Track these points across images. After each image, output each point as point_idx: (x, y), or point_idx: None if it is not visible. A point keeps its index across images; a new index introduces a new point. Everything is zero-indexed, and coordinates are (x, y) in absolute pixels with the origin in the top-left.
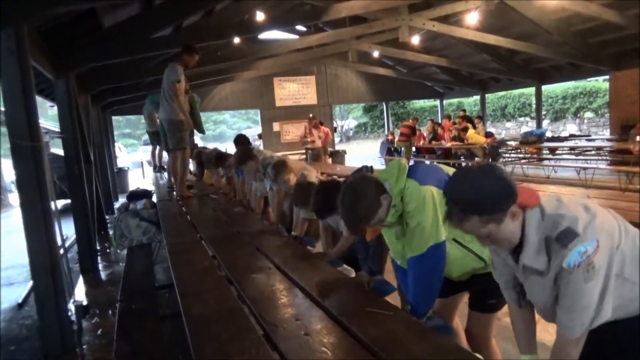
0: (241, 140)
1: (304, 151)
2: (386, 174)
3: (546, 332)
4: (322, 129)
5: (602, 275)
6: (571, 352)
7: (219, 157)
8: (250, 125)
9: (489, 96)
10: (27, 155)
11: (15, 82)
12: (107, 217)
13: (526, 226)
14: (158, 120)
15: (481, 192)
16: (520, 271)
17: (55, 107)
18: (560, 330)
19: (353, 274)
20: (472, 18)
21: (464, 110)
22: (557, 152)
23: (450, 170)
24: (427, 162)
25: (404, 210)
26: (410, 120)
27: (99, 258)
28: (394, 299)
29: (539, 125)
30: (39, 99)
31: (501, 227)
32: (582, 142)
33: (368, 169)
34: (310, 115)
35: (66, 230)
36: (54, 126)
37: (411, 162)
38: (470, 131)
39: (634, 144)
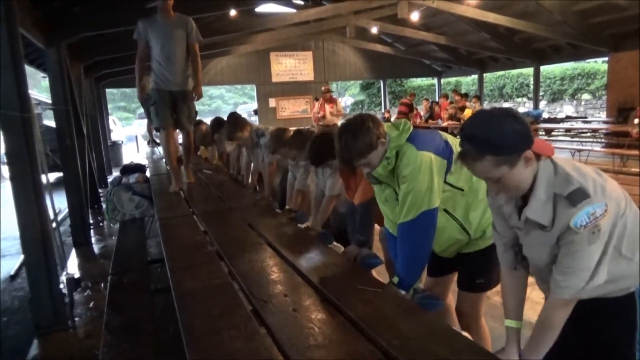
0: (221, 121)
1: (301, 128)
2: (391, 127)
3: (532, 311)
4: (337, 103)
5: (605, 240)
6: (560, 313)
7: (219, 123)
8: (246, 100)
9: (487, 76)
10: (16, 126)
11: (4, 51)
12: (100, 190)
13: (537, 178)
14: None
15: (498, 132)
16: (522, 226)
17: (48, 77)
18: (553, 290)
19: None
20: None
21: (458, 91)
22: (553, 133)
23: (450, 137)
24: None
25: (399, 174)
26: (408, 97)
27: (92, 231)
28: (383, 276)
29: (536, 106)
30: (31, 69)
31: (513, 171)
32: (578, 124)
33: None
34: (323, 88)
35: (60, 204)
36: (47, 97)
37: None
38: (467, 111)
39: (633, 127)
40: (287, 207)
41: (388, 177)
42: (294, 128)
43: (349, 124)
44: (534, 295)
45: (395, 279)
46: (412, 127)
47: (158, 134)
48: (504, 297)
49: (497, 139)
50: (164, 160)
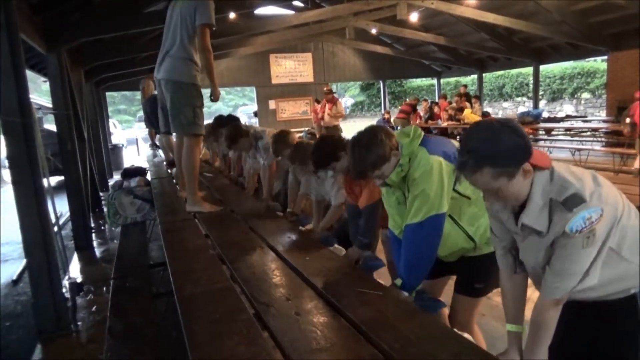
0: (224, 121)
1: (300, 129)
2: (402, 134)
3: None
4: (337, 104)
5: (599, 244)
6: (551, 313)
7: (220, 124)
8: (246, 102)
9: (486, 75)
10: (17, 131)
11: (4, 57)
12: (101, 194)
13: (533, 186)
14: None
15: (498, 144)
16: (519, 231)
17: (49, 82)
18: (543, 291)
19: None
20: None
21: (465, 86)
22: (553, 132)
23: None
24: None
25: (409, 176)
26: (412, 100)
27: (93, 235)
28: (385, 278)
29: (535, 105)
30: (32, 74)
31: (512, 182)
32: (578, 123)
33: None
34: (325, 88)
35: (61, 208)
36: (48, 102)
37: None
38: (467, 111)
39: (624, 126)
40: (288, 210)
41: (399, 182)
42: (295, 130)
43: (361, 137)
44: (536, 296)
45: (398, 281)
46: (422, 133)
47: (159, 137)
48: (504, 302)
49: (496, 151)
50: (164, 163)
